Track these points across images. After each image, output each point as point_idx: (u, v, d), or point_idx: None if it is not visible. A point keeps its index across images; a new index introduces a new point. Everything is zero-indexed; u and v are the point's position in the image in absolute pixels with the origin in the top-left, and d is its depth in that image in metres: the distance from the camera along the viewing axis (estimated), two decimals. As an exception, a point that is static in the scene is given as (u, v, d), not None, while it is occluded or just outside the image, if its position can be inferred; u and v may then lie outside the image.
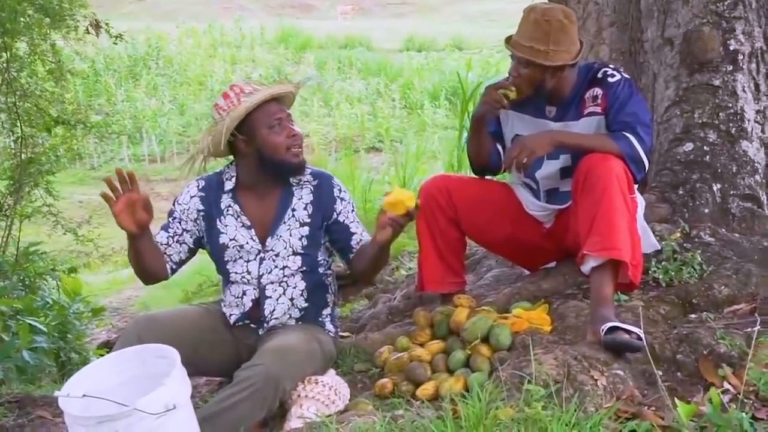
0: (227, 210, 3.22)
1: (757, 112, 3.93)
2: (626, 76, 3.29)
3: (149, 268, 3.15)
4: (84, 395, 2.35)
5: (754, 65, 3.96)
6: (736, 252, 3.48)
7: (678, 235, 3.50)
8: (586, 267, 3.00)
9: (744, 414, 2.20)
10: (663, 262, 3.39)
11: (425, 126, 16.95)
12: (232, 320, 3.24)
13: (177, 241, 3.27)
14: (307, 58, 22.83)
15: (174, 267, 3.29)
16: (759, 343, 2.68)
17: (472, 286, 4.00)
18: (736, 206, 3.72)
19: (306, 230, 3.20)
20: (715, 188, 3.74)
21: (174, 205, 3.31)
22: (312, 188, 3.24)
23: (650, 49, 4.21)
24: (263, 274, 3.19)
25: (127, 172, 2.90)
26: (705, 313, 3.12)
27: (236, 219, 3.21)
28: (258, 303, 3.21)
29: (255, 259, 3.21)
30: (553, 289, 3.53)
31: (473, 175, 3.76)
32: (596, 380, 2.56)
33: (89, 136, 9.19)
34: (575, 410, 2.24)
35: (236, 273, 3.23)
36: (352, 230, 3.27)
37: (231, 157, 3.27)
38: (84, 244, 6.78)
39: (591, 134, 3.24)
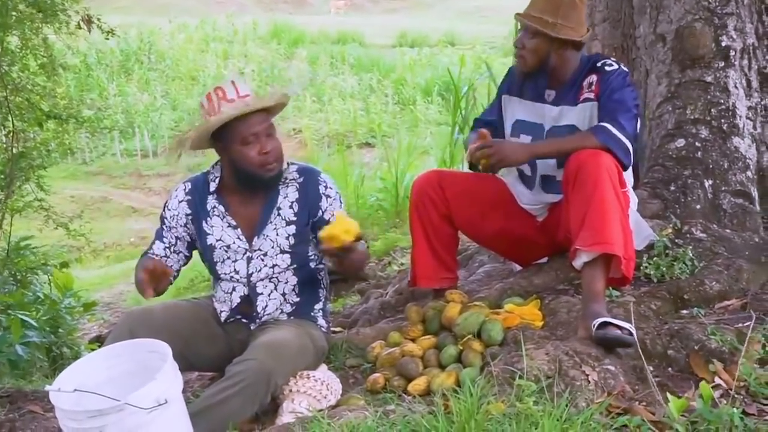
0: (213, 211, 3.21)
1: (749, 108, 3.94)
2: (624, 68, 3.30)
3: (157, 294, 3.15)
4: (75, 390, 2.35)
5: (746, 62, 3.97)
6: (728, 248, 3.50)
7: (670, 230, 3.51)
8: (578, 262, 3.00)
9: (734, 409, 2.21)
10: (654, 258, 3.40)
11: (418, 122, 16.93)
12: (222, 317, 3.24)
13: (173, 252, 3.30)
14: (300, 54, 22.78)
15: (175, 275, 3.34)
16: (750, 338, 2.69)
17: (464, 282, 4.01)
18: (727, 202, 3.73)
19: (293, 228, 3.18)
20: (706, 184, 3.75)
21: (164, 210, 3.33)
22: (297, 186, 3.21)
23: (642, 45, 4.22)
24: (252, 273, 3.19)
25: (162, 270, 2.88)
26: (696, 308, 3.13)
27: (222, 219, 3.20)
28: (248, 299, 3.21)
29: (242, 259, 3.20)
30: (544, 285, 3.54)
31: (465, 170, 3.76)
32: (587, 375, 2.57)
33: (81, 131, 9.16)
34: (566, 405, 2.25)
35: (225, 273, 3.23)
36: None
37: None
38: (76, 238, 6.76)
39: (567, 137, 3.24)
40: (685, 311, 3.16)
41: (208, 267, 3.32)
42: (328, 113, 17.92)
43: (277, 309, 3.21)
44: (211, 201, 3.22)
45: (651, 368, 2.70)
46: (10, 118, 6.19)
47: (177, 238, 3.29)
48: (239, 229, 3.18)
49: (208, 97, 3.07)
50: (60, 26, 6.27)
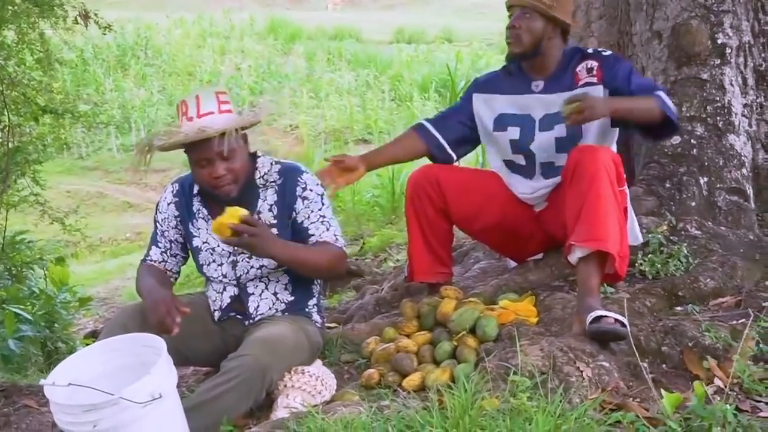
0: (198, 213, 3.20)
1: (745, 105, 3.95)
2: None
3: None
4: (70, 384, 2.35)
5: (741, 59, 3.97)
6: (722, 245, 3.50)
7: (665, 227, 3.51)
8: (573, 257, 3.00)
9: (728, 406, 2.21)
10: (649, 255, 3.41)
11: (414, 118, 16.78)
12: (216, 316, 3.24)
13: (170, 255, 3.32)
14: (297, 50, 22.76)
15: (176, 276, 3.38)
16: (744, 335, 2.70)
17: (459, 278, 4.01)
18: (722, 199, 3.74)
19: (275, 231, 3.11)
20: (702, 181, 3.76)
21: (156, 213, 3.33)
22: (277, 188, 3.16)
23: (639, 43, 4.22)
24: (241, 275, 3.18)
25: (178, 322, 2.82)
26: (691, 305, 3.14)
27: (206, 222, 3.19)
28: (239, 299, 3.21)
29: (227, 262, 3.19)
30: (539, 281, 3.54)
31: (461, 165, 3.77)
32: (582, 372, 2.58)
33: (77, 126, 9.13)
34: (560, 401, 2.25)
35: (213, 276, 3.23)
36: (310, 232, 3.13)
37: None
38: (71, 233, 6.74)
39: (636, 98, 3.20)
40: (679, 308, 3.17)
41: (197, 268, 3.32)
42: (325, 109, 17.89)
43: (270, 308, 3.20)
44: (196, 203, 3.21)
45: (645, 365, 2.70)
46: (5, 113, 6.17)
47: (171, 241, 3.30)
48: None
49: (177, 107, 3.06)
50: (57, 21, 6.25)
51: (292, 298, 3.23)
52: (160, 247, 3.30)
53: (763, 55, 4.03)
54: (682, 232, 3.55)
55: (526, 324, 3.10)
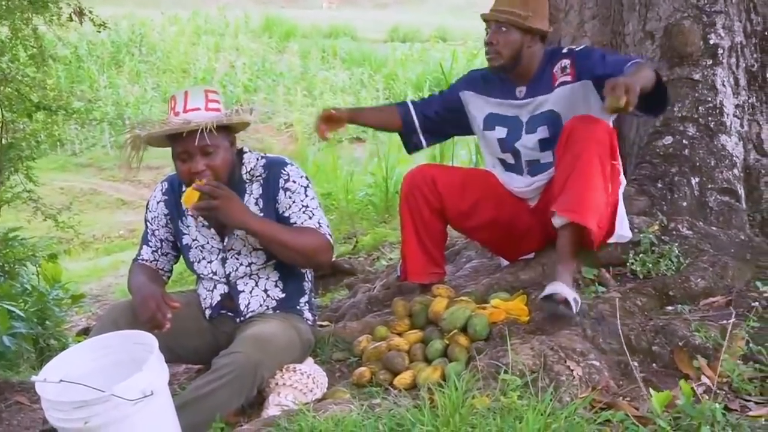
0: (187, 210, 3.19)
1: (736, 106, 3.95)
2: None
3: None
4: (61, 380, 2.35)
5: (734, 60, 3.98)
6: (713, 245, 3.51)
7: (656, 227, 3.52)
8: (556, 222, 3.10)
9: (717, 405, 2.22)
10: (641, 254, 3.42)
11: (408, 117, 16.90)
12: (207, 314, 3.25)
13: (161, 254, 3.33)
14: (291, 48, 22.76)
15: (168, 275, 3.39)
16: (734, 335, 2.71)
17: (451, 277, 4.02)
18: (713, 200, 3.74)
19: (256, 214, 3.10)
20: (693, 182, 3.76)
21: (146, 212, 3.35)
22: (261, 181, 3.17)
23: (631, 43, 4.22)
24: (230, 272, 3.18)
25: (169, 317, 2.83)
26: (681, 305, 3.14)
27: (195, 219, 3.19)
28: (229, 297, 3.21)
29: (217, 259, 3.20)
30: (531, 280, 3.55)
31: (457, 165, 3.80)
32: (572, 370, 2.59)
33: (71, 123, 9.12)
34: (550, 400, 2.26)
35: (203, 273, 3.24)
36: (292, 220, 3.12)
37: None
38: (64, 230, 6.75)
39: (631, 72, 3.02)
40: (670, 307, 3.18)
41: (187, 266, 3.32)
42: (319, 107, 17.85)
43: (261, 305, 3.20)
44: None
45: (635, 364, 2.71)
46: (-1, 109, 6.18)
47: (161, 240, 3.31)
48: (212, 229, 3.18)
49: (168, 102, 3.07)
50: (51, 17, 6.25)
51: (283, 295, 3.23)
52: (151, 246, 3.31)
53: (755, 55, 4.04)
54: (674, 232, 3.56)
55: (518, 323, 3.10)
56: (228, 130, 3.03)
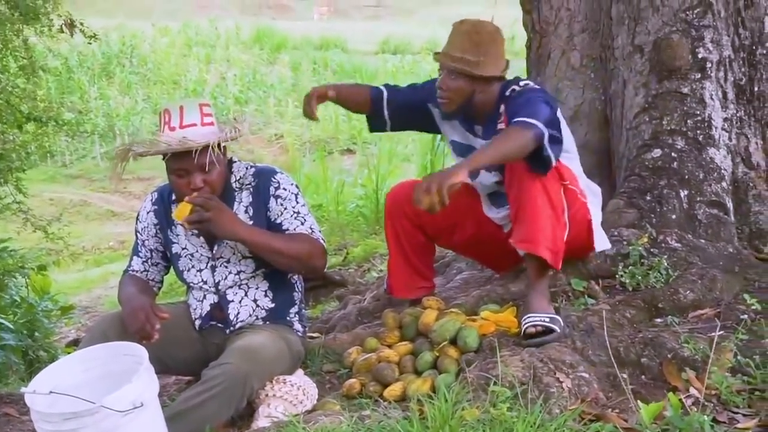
0: (176, 220, 3.20)
1: (725, 120, 3.98)
2: (532, 86, 3.25)
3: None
4: (51, 392, 2.34)
5: (722, 73, 4.00)
6: (702, 258, 3.53)
7: (645, 240, 3.53)
8: (520, 251, 3.12)
9: (705, 417, 2.23)
10: (630, 267, 3.43)
11: (399, 129, 16.93)
12: (197, 325, 3.24)
13: (152, 264, 3.33)
14: (282, 59, 22.79)
15: (159, 285, 3.38)
16: (722, 347, 2.73)
17: (441, 289, 4.03)
18: (702, 212, 3.76)
19: (248, 225, 3.11)
20: (682, 194, 3.78)
21: (136, 223, 3.35)
22: (251, 189, 3.19)
23: (620, 56, 4.25)
24: (219, 281, 3.19)
25: (158, 329, 2.83)
26: (670, 317, 3.16)
27: (185, 228, 3.19)
28: (219, 307, 3.21)
29: (207, 267, 3.20)
30: (521, 292, 3.55)
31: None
32: (561, 382, 2.59)
33: (61, 134, 9.11)
34: (540, 412, 2.27)
35: (193, 282, 3.24)
36: (284, 227, 3.14)
37: None
38: (54, 241, 6.73)
39: (496, 139, 2.94)
40: (659, 320, 3.19)
41: (177, 276, 3.32)
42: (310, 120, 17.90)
43: (250, 315, 3.20)
44: (174, 210, 3.22)
45: (624, 376, 2.72)
46: (-11, 120, 6.16)
47: (151, 250, 3.31)
48: (201, 237, 3.18)
49: (160, 115, 3.07)
50: (41, 29, 6.25)
51: (273, 305, 3.23)
52: (141, 257, 3.31)
53: (743, 69, 4.06)
54: (663, 245, 3.57)
55: (507, 335, 3.11)
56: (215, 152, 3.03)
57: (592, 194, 3.34)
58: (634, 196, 3.83)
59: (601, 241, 3.35)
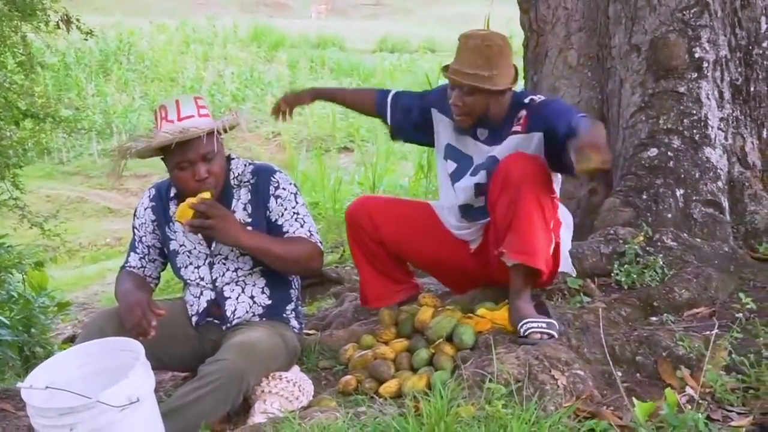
0: (174, 216, 3.19)
1: (721, 119, 3.99)
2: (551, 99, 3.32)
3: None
4: (47, 387, 2.35)
5: (718, 73, 4.02)
6: (698, 256, 3.54)
7: (641, 238, 3.55)
8: (507, 262, 3.08)
9: (699, 415, 2.24)
10: (626, 265, 3.45)
11: (396, 127, 16.92)
12: (193, 321, 3.25)
13: (149, 261, 3.34)
14: (280, 57, 22.75)
15: (156, 281, 3.40)
16: (717, 346, 2.73)
17: (437, 286, 4.04)
18: (698, 212, 3.77)
19: (249, 230, 3.13)
20: (678, 193, 3.80)
21: (134, 219, 3.36)
22: (250, 187, 3.20)
23: (617, 55, 4.26)
24: (217, 278, 3.19)
25: (154, 325, 2.84)
26: (665, 315, 3.17)
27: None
28: (216, 303, 3.21)
29: (205, 264, 3.21)
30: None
31: (394, 196, 3.78)
32: (556, 380, 2.60)
33: (58, 131, 9.09)
34: (535, 409, 2.28)
35: (190, 279, 3.24)
36: (284, 229, 3.16)
37: None
38: (51, 238, 6.71)
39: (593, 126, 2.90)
40: (654, 318, 3.20)
41: (174, 272, 3.33)
42: (308, 117, 17.89)
43: (247, 312, 3.21)
44: (172, 206, 3.23)
45: (619, 374, 2.73)
46: (-14, 117, 6.15)
47: (149, 246, 3.31)
48: (199, 235, 3.17)
49: (155, 112, 3.08)
50: (39, 24, 6.24)
51: (270, 302, 3.24)
52: (138, 253, 3.32)
53: (739, 69, 4.08)
54: (658, 243, 3.58)
55: (503, 332, 3.12)
56: (220, 135, 3.04)
57: (564, 222, 3.34)
58: (630, 195, 3.84)
59: (566, 265, 3.38)
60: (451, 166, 3.49)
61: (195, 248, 3.20)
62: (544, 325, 2.93)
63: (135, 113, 18.23)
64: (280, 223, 3.16)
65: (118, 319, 2.94)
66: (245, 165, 3.23)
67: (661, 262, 3.43)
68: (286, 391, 2.93)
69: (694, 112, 3.94)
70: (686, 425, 2.22)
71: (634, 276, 3.41)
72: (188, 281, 3.25)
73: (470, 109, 3.23)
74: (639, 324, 3.15)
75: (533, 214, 3.00)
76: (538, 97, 3.28)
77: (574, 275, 3.44)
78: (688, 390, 2.58)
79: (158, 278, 3.39)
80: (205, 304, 3.22)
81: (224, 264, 3.18)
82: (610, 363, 2.67)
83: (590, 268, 3.55)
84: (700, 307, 3.27)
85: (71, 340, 5.30)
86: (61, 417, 2.25)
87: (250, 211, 3.16)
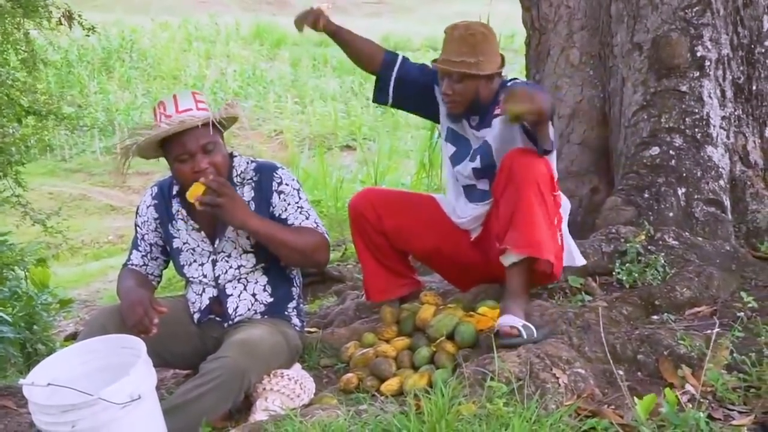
0: (177, 214, 3.22)
1: (723, 118, 3.98)
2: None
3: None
4: (49, 384, 2.35)
5: (720, 72, 4.01)
6: (699, 255, 3.54)
7: (642, 237, 3.54)
8: (507, 260, 3.09)
9: (701, 414, 2.24)
10: (627, 264, 3.45)
11: (398, 125, 16.94)
12: (195, 318, 3.25)
13: (151, 259, 3.35)
14: (282, 55, 22.75)
15: (158, 279, 3.40)
16: (718, 345, 2.73)
17: (439, 284, 4.04)
18: (700, 210, 3.77)
19: (257, 215, 3.12)
20: (680, 192, 3.79)
21: (136, 217, 3.36)
22: (253, 184, 3.20)
23: (619, 54, 4.26)
24: (219, 275, 3.19)
25: (156, 323, 2.84)
26: (667, 314, 3.16)
27: (186, 222, 3.21)
28: (218, 301, 3.22)
29: (208, 261, 3.21)
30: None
31: (399, 189, 3.78)
32: (558, 378, 2.60)
33: (61, 128, 9.10)
34: (536, 407, 2.28)
35: (193, 276, 3.25)
36: (289, 221, 3.16)
37: None
38: (53, 235, 6.72)
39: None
40: (655, 317, 3.20)
41: (177, 270, 3.33)
42: (310, 115, 17.91)
43: (249, 310, 3.21)
44: (175, 204, 3.23)
45: (621, 372, 2.72)
46: (-12, 114, 6.15)
47: (151, 244, 3.32)
48: (202, 232, 3.19)
49: (154, 109, 3.09)
50: (41, 21, 6.24)
51: (272, 299, 3.24)
52: (140, 251, 3.32)
53: (741, 68, 4.07)
54: (660, 242, 3.58)
55: (504, 331, 3.12)
56: (219, 129, 3.05)
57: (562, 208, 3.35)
58: (632, 194, 3.84)
59: (575, 258, 3.38)
60: (451, 149, 3.55)
61: (198, 246, 3.20)
62: (520, 324, 2.92)
63: (137, 111, 18.22)
64: (284, 217, 3.16)
65: (120, 317, 2.94)
66: (248, 163, 3.23)
67: (663, 261, 3.43)
68: (288, 388, 2.93)
69: (696, 110, 3.94)
70: (687, 424, 2.22)
71: (636, 275, 3.41)
72: (191, 279, 3.26)
73: (461, 96, 3.31)
74: (640, 323, 3.15)
75: (536, 211, 3.01)
76: (521, 81, 3.36)
77: (584, 262, 3.43)
78: (690, 389, 2.58)
79: (160, 276, 3.40)
80: (207, 302, 3.22)
81: (227, 261, 3.18)
82: (611, 362, 2.67)
83: (592, 267, 3.54)
84: (701, 305, 3.26)
85: (73, 338, 5.30)
86: (63, 414, 2.26)
87: (253, 209, 3.15)
